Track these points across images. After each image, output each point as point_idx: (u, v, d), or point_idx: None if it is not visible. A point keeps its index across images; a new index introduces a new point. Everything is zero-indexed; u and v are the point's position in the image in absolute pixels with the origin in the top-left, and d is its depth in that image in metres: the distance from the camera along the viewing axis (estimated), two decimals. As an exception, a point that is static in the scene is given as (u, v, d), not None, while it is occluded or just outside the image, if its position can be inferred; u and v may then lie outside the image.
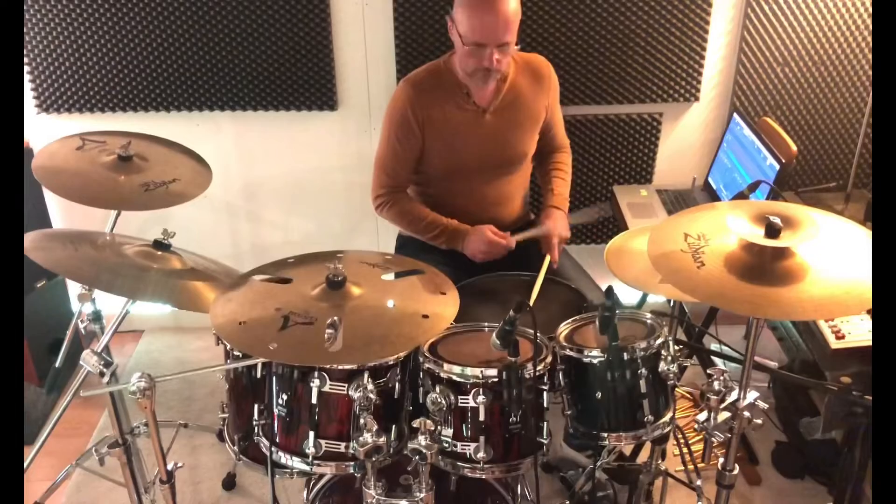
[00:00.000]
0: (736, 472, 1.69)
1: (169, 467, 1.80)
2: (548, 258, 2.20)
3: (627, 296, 2.70)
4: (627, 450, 2.35)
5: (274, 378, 1.65)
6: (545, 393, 1.66)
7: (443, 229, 2.29)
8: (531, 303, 1.98)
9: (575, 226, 2.44)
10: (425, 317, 1.59)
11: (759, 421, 1.62)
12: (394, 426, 1.66)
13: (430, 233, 2.31)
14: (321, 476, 1.96)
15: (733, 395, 1.61)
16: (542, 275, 2.13)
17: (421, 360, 1.66)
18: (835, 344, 1.91)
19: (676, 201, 2.79)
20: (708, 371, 1.72)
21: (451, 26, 2.17)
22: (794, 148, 2.42)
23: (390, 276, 1.74)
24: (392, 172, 2.31)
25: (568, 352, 1.70)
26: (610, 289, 1.63)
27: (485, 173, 2.31)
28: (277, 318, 1.55)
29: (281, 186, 3.00)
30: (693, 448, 2.42)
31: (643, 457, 2.26)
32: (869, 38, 2.72)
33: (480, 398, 1.59)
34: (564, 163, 2.49)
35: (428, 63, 2.33)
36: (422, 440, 1.49)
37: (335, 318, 1.48)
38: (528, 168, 2.46)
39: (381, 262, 1.79)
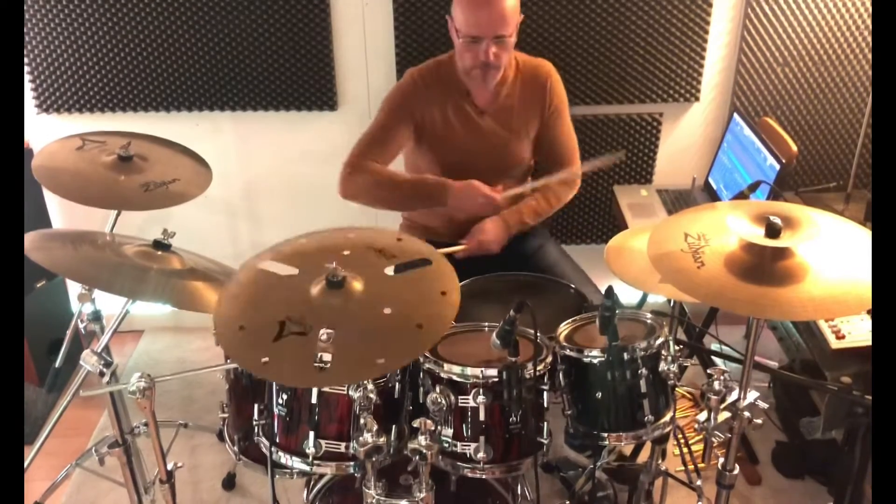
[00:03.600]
0: (736, 472, 1.69)
1: (169, 467, 1.80)
2: (461, 246, 2.16)
3: (627, 296, 2.70)
4: (627, 450, 2.35)
5: (274, 378, 1.65)
6: (545, 393, 1.66)
7: (423, 183, 2.20)
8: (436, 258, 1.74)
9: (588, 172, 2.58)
10: (419, 326, 1.49)
11: (759, 421, 1.61)
12: (394, 426, 1.65)
13: (409, 191, 2.22)
14: (321, 476, 1.96)
15: (733, 395, 1.60)
16: (454, 250, 2.12)
17: (421, 360, 1.66)
18: (835, 344, 1.91)
19: (676, 201, 2.79)
20: (708, 371, 1.71)
21: (450, 25, 2.17)
22: (794, 148, 2.42)
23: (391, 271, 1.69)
24: (369, 148, 2.23)
25: (568, 352, 1.70)
26: (610, 289, 1.63)
27: (479, 177, 2.27)
28: (274, 323, 1.51)
29: (281, 186, 3.00)
30: (693, 448, 2.42)
31: (643, 457, 2.26)
32: (869, 38, 2.72)
33: (480, 398, 1.59)
34: (556, 194, 2.32)
35: (435, 57, 2.31)
36: (422, 440, 1.48)
37: (328, 331, 1.41)
38: (524, 178, 2.40)
39: (390, 246, 1.65)
